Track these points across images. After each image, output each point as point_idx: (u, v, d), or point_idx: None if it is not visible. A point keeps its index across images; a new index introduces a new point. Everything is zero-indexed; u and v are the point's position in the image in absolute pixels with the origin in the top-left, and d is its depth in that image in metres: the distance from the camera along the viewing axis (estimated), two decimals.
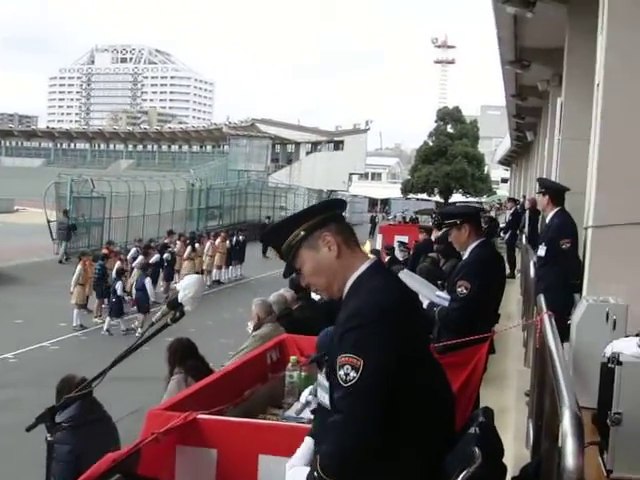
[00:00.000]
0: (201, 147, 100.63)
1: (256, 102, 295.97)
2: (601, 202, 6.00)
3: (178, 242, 24.17)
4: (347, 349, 2.34)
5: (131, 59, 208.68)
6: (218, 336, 14.43)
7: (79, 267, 17.96)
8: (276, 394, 4.43)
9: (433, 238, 12.99)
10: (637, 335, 3.92)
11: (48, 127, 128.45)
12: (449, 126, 71.70)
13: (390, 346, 2.35)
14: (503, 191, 66.03)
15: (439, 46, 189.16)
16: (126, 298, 19.60)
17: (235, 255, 26.79)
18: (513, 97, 20.29)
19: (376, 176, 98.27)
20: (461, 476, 2.60)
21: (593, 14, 6.89)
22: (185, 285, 2.96)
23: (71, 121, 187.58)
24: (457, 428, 2.80)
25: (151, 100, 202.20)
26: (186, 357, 6.14)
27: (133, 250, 22.35)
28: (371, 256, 2.72)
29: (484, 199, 70.63)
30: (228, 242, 26.18)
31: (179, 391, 5.80)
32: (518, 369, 7.48)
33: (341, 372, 2.33)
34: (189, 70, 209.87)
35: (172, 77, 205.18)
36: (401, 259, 14.40)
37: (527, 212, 15.17)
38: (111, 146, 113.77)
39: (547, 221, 6.92)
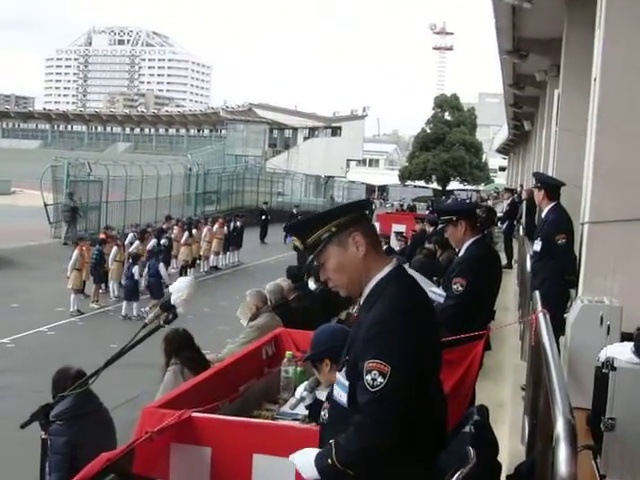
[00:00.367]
0: (198, 131, 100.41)
1: (253, 87, 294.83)
2: (597, 198, 6.00)
3: (175, 227, 24.13)
4: (374, 355, 2.43)
5: (128, 41, 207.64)
6: (215, 323, 14.46)
7: (76, 252, 17.91)
8: (271, 389, 4.45)
9: (430, 229, 12.98)
10: (631, 340, 3.91)
11: (45, 109, 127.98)
12: (447, 113, 71.60)
13: (414, 353, 2.46)
14: (501, 179, 65.95)
15: (437, 32, 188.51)
16: (122, 283, 19.67)
17: (232, 241, 26.72)
18: (511, 86, 20.20)
19: (374, 162, 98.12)
20: (455, 476, 2.63)
21: (591, 6, 6.85)
22: (178, 287, 2.97)
23: (68, 103, 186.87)
24: (452, 425, 2.86)
25: (148, 83, 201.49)
26: (182, 348, 6.12)
27: (130, 235, 22.33)
28: (393, 259, 2.78)
29: (482, 187, 70.70)
30: (225, 228, 26.14)
31: (175, 382, 5.82)
32: (514, 362, 7.50)
33: (368, 377, 2.42)
34: (187, 53, 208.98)
35: (170, 60, 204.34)
36: (398, 249, 14.41)
37: (524, 202, 15.16)
38: (108, 129, 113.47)
39: (543, 216, 6.91)
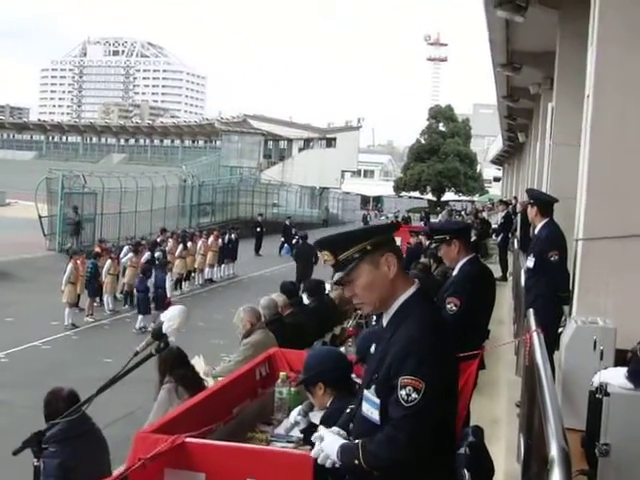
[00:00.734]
0: (193, 142, 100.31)
1: (248, 98, 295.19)
2: (591, 215, 6.02)
3: (170, 240, 24.07)
4: (409, 371, 2.53)
5: (123, 52, 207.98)
6: (210, 337, 14.41)
7: (70, 265, 17.83)
8: (265, 410, 4.43)
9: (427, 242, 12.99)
10: (625, 360, 3.91)
11: (40, 120, 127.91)
12: (441, 124, 71.83)
13: (444, 370, 2.62)
14: (495, 190, 66.04)
15: (432, 43, 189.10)
16: (118, 296, 19.62)
17: (227, 253, 26.64)
18: (504, 98, 20.32)
19: (369, 173, 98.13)
20: None
21: (584, 19, 6.86)
22: (170, 316, 2.98)
23: (63, 113, 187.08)
24: None
25: (143, 93, 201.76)
26: (176, 366, 6.12)
27: (125, 249, 22.24)
28: (416, 281, 2.86)
29: (476, 198, 70.81)
30: (220, 240, 26.09)
31: (169, 400, 5.82)
32: (509, 378, 7.51)
33: (402, 392, 2.53)
34: (181, 64, 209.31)
35: (164, 70, 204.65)
36: None
37: (519, 215, 15.19)
38: (103, 140, 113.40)
39: (536, 232, 6.92)
